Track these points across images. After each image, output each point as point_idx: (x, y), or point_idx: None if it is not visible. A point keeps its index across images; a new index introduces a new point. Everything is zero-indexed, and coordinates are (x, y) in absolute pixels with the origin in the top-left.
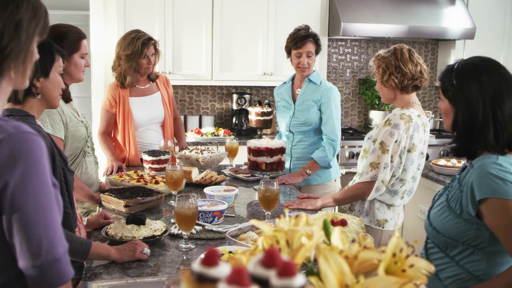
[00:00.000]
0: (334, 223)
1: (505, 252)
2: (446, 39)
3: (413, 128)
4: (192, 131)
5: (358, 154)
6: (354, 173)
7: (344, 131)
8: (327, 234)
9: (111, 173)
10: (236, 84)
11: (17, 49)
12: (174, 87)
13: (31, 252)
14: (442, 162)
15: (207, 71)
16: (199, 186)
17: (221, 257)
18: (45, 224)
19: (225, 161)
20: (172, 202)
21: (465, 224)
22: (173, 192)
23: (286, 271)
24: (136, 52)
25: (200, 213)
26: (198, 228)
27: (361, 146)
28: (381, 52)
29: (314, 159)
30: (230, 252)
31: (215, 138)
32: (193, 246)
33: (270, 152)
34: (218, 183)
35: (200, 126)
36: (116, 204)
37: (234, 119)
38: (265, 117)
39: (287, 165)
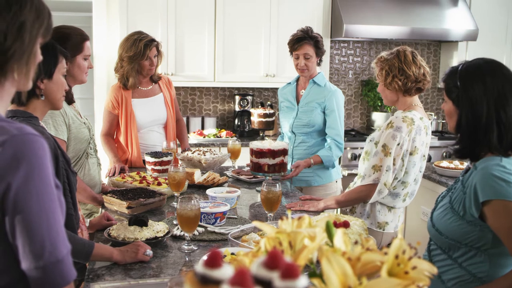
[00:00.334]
0: (336, 224)
1: (508, 254)
2: (449, 41)
3: (415, 131)
4: (194, 132)
5: (360, 155)
6: (356, 175)
7: (346, 133)
8: (330, 236)
9: (113, 175)
10: (238, 86)
11: (20, 51)
12: (177, 88)
13: (34, 253)
14: (445, 163)
15: (210, 72)
16: (201, 188)
17: (224, 258)
18: (48, 225)
19: (228, 163)
20: (175, 203)
21: (468, 226)
22: (176, 194)
23: (289, 272)
24: (139, 53)
25: (203, 215)
26: (201, 229)
27: (363, 148)
28: (384, 54)
29: (319, 155)
30: (232, 253)
31: (217, 139)
32: (195, 248)
33: (273, 153)
34: (220, 185)
35: (203, 128)
36: (118, 205)
37: (236, 121)
38: (267, 119)
39: (288, 166)
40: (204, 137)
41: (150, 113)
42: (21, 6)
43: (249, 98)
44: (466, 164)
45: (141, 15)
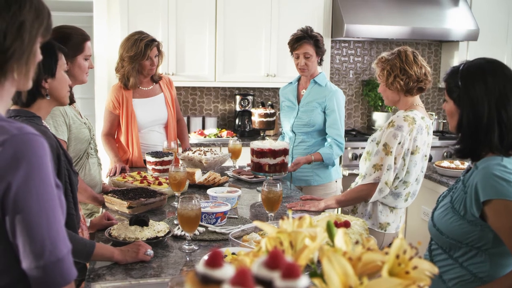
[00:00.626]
0: (337, 224)
1: (509, 254)
2: (450, 41)
3: (416, 130)
4: (195, 132)
5: (361, 155)
6: (357, 175)
7: (347, 133)
8: (331, 235)
9: (114, 175)
10: (239, 86)
11: (20, 50)
12: (177, 88)
13: (34, 252)
14: (446, 163)
15: (210, 72)
16: (202, 188)
17: (225, 258)
18: (48, 225)
19: (228, 163)
20: (175, 203)
21: (469, 226)
22: (176, 194)
23: (290, 272)
24: (139, 53)
25: (203, 215)
26: (201, 229)
27: (364, 148)
28: (385, 54)
29: (320, 152)
30: (233, 253)
31: (218, 139)
32: (196, 248)
33: (273, 153)
34: (221, 185)
35: (203, 128)
36: (119, 205)
37: (237, 121)
38: (268, 119)
39: (288, 165)
40: (204, 137)
41: (151, 113)
42: (21, 6)
43: (250, 98)
44: (467, 164)
45: (142, 15)
